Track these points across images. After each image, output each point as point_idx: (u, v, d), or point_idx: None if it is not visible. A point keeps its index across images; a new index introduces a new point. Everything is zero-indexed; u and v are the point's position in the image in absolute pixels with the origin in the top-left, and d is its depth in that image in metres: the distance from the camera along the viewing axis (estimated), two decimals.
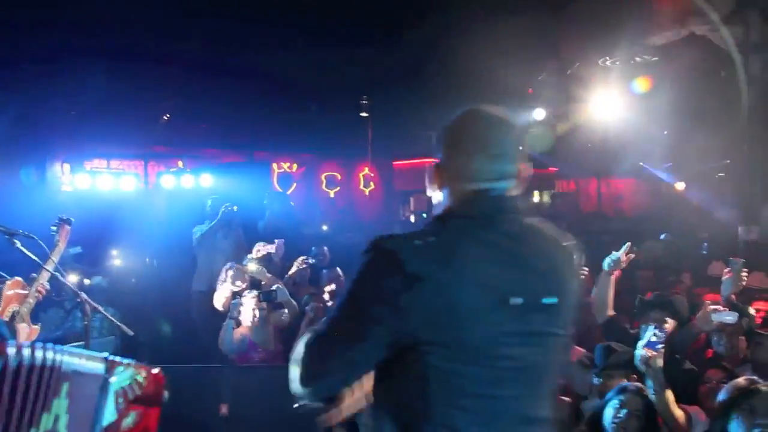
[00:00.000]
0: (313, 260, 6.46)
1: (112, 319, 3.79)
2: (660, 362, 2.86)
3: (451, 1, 10.66)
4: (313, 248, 6.98)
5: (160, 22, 10.43)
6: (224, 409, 4.32)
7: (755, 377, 2.75)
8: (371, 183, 18.64)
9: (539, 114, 11.19)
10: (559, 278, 1.60)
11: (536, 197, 21.27)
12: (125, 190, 10.19)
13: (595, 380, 3.58)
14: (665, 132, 11.66)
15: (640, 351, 2.89)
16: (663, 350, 2.87)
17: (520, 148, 1.64)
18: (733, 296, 3.95)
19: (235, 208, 6.92)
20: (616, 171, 14.72)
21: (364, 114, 13.23)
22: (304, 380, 1.54)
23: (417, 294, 1.46)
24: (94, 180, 9.91)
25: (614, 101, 10.08)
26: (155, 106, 12.37)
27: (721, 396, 2.71)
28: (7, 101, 9.49)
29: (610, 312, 3.96)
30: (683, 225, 11.08)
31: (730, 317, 3.51)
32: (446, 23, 11.11)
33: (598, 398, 3.35)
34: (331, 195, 17.85)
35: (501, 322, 1.51)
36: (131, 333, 3.97)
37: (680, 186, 16.87)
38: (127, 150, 12.38)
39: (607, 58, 8.98)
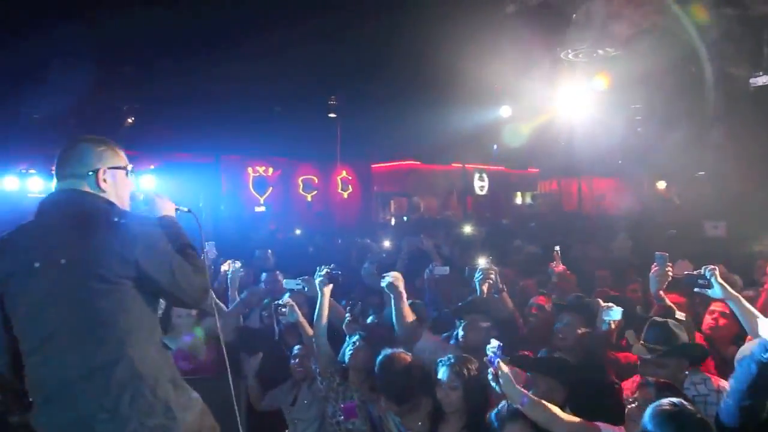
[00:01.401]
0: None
1: None
2: (509, 377, 2.59)
3: (420, 0, 10.44)
4: (256, 251, 6.70)
5: (123, 27, 10.18)
6: None
7: (678, 401, 2.37)
8: (349, 186, 18.35)
9: (506, 111, 10.97)
10: (84, 243, 2.10)
11: (519, 198, 21.04)
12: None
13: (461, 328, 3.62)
14: (638, 129, 11.41)
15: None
16: (502, 364, 2.62)
17: (85, 158, 2.27)
18: (660, 292, 3.61)
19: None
20: (593, 170, 14.47)
21: (332, 115, 12.94)
22: None
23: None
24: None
25: (581, 98, 9.82)
26: (118, 108, 12.10)
27: (650, 426, 2.31)
28: None
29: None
30: (654, 223, 10.78)
31: (617, 314, 3.34)
32: (413, 21, 10.88)
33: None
34: (309, 199, 17.54)
35: (35, 280, 2.09)
36: None
37: (661, 185, 16.63)
38: None
39: (569, 51, 8.72)
